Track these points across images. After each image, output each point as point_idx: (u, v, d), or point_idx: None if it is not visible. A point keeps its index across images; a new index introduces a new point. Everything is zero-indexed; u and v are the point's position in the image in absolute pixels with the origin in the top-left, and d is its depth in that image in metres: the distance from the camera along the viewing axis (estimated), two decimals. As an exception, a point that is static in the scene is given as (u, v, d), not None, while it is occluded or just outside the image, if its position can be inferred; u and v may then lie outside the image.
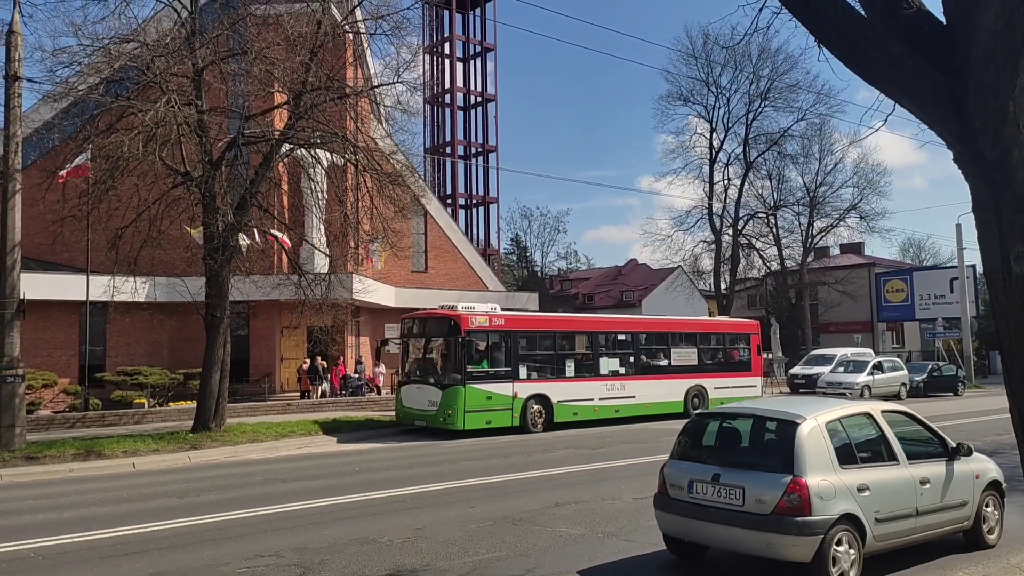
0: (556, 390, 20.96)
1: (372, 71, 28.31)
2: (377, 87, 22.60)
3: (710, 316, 40.49)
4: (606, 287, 72.79)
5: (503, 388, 19.88)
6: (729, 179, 50.56)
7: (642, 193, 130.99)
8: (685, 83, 49.69)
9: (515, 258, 76.88)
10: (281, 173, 25.59)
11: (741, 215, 50.37)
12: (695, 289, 59.36)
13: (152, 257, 20.69)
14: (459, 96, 58.86)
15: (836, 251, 64.08)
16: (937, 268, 57.16)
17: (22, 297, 16.16)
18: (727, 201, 50.30)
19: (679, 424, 21.10)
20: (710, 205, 49.59)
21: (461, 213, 58.72)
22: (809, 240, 53.47)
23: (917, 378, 35.78)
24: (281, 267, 28.90)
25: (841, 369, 34.31)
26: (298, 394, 28.93)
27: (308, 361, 29.07)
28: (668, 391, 23.51)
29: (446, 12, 56.45)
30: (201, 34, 19.70)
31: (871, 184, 52.92)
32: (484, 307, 21.01)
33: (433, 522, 9.69)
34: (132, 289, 21.65)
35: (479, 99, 59.73)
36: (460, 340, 19.12)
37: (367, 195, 22.05)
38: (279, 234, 22.89)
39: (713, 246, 50.68)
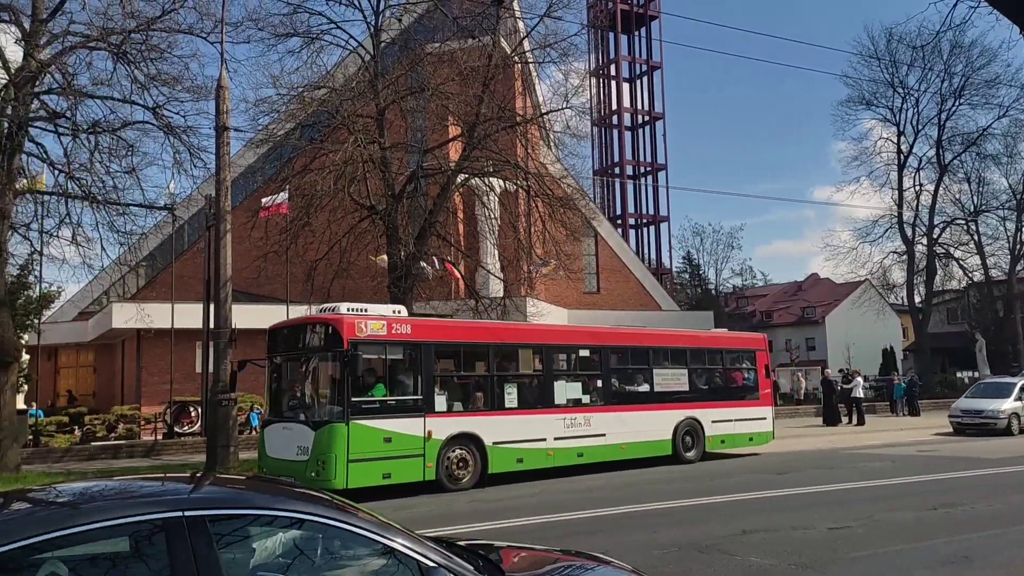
0: (491, 427, 15.09)
1: (541, 98, 28.92)
2: (547, 114, 23.09)
3: (905, 332, 35.88)
4: (785, 303, 69.64)
5: (410, 425, 13.98)
6: (921, 185, 47.06)
7: (818, 205, 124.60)
8: (867, 86, 46.83)
9: (687, 276, 75.33)
10: (456, 202, 26.63)
11: (936, 223, 46.61)
12: (885, 304, 55.50)
13: (343, 287, 22.13)
14: (626, 116, 58.78)
15: (1051, 257, 57.78)
16: None
17: (234, 327, 17.70)
18: (919, 209, 46.79)
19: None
20: (900, 213, 46.31)
21: (631, 233, 58.46)
22: (1018, 247, 48.59)
23: None
24: (458, 293, 29.99)
25: (980, 395, 27.78)
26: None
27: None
28: (651, 426, 17.71)
29: (611, 34, 56.73)
30: (383, 75, 20.98)
31: (1091, 182, 47.41)
32: (382, 310, 15.00)
33: (615, 547, 9.61)
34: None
35: (646, 118, 59.39)
36: (342, 355, 13.30)
37: (539, 220, 22.53)
38: (437, 260, 23.84)
39: (904, 257, 47.22)
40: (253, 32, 20.49)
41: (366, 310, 14.29)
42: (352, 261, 21.71)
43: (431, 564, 3.37)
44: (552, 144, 25.35)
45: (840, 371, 37.83)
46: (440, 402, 14.61)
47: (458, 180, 22.11)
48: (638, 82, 59.95)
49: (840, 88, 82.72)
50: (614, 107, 58.30)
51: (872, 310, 51.35)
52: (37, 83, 17.06)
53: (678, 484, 15.13)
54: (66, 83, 17.11)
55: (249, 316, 26.78)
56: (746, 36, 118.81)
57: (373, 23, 21.37)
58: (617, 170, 58.40)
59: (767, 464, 18.06)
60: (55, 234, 18.45)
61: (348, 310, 14.00)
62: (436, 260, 24.47)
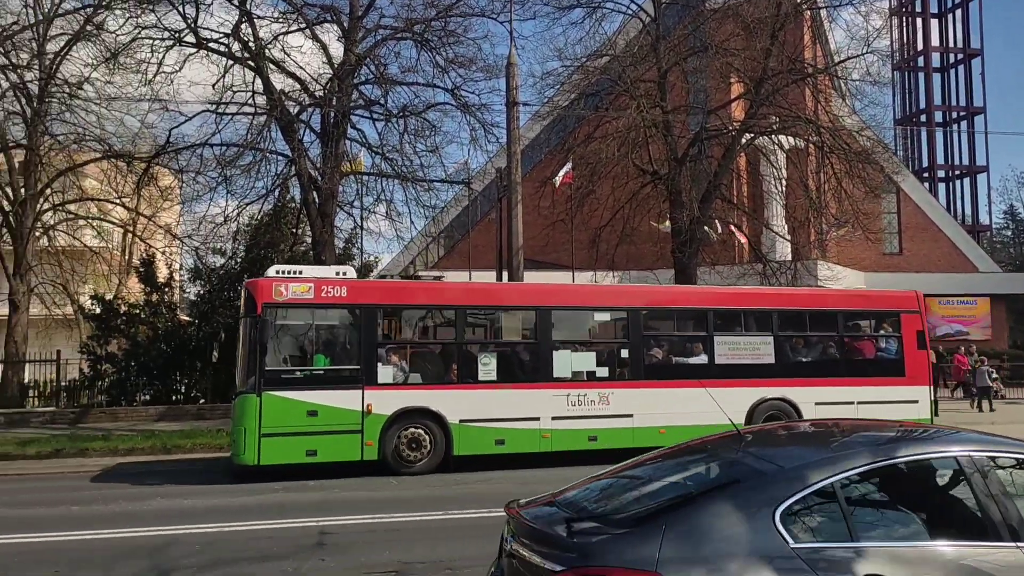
0: (457, 402, 12.96)
1: (833, 45, 26.83)
2: (844, 62, 21.37)
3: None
4: None
5: (342, 398, 12.42)
6: None
7: None
8: None
9: (1010, 233, 66.09)
10: (740, 162, 25.69)
11: None
12: None
13: (626, 253, 22.39)
14: (934, 57, 52.56)
15: None
16: None
17: (525, 292, 18.64)
18: None
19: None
20: None
21: (940, 187, 52.45)
22: None
23: None
24: (743, 256, 29.00)
25: None
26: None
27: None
28: (709, 406, 12.43)
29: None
30: (664, 38, 20.71)
31: None
32: (321, 271, 13.62)
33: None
34: (610, 283, 23.70)
35: (959, 57, 52.61)
36: (256, 321, 12.22)
37: (833, 177, 21.05)
38: (720, 223, 23.08)
39: None
40: (539, 7, 21.26)
41: (301, 272, 13.04)
42: (635, 227, 21.86)
43: None
44: (846, 95, 23.44)
45: None
46: (385, 373, 12.72)
47: (743, 140, 21.29)
48: (950, 16, 53.14)
49: None
50: (920, 47, 52.33)
51: None
52: (355, 75, 19.11)
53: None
54: (379, 73, 19.00)
55: (538, 281, 28.18)
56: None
57: (655, -16, 21.13)
58: (923, 118, 52.52)
59: None
60: (372, 210, 20.69)
61: (276, 272, 12.91)
62: (719, 223, 23.85)
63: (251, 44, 18.43)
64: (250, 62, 18.40)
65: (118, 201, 22.97)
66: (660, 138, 20.47)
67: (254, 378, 12.09)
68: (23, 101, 21.36)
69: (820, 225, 23.33)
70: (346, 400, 12.39)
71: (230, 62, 18.53)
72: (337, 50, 19.99)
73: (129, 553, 7.61)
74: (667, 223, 21.68)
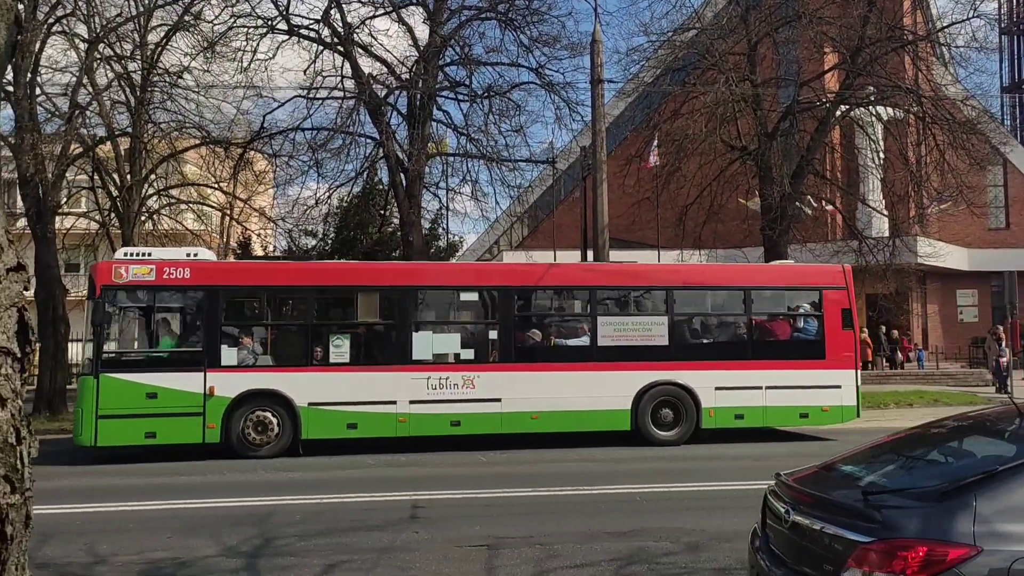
0: (306, 385, 12.62)
1: (935, 11, 25.50)
2: (947, 27, 20.26)
3: None
4: None
5: (182, 380, 12.23)
6: None
7: None
8: None
9: None
10: (834, 135, 24.79)
11: None
12: None
13: (713, 231, 21.94)
14: (1047, 18, 49.19)
15: None
16: None
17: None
18: None
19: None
20: None
21: (1053, 157, 49.29)
22: None
23: None
24: (836, 233, 28.03)
25: None
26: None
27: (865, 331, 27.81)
28: (589, 391, 13.32)
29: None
30: (754, 8, 20.10)
31: None
32: (171, 253, 13.50)
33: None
34: (697, 262, 23.29)
35: (1076, 16, 49.14)
36: (94, 303, 12.20)
37: (935, 149, 20.09)
38: (812, 199, 22.37)
39: None
40: (623, -18, 20.87)
41: (150, 254, 12.93)
42: (723, 204, 21.39)
43: None
44: (949, 62, 22.28)
45: None
46: (228, 355, 12.53)
47: (838, 112, 20.53)
48: (1065, -26, 49.67)
49: None
50: (1031, 8, 49.11)
51: None
52: (440, 57, 19.26)
53: None
54: (463, 54, 19.10)
55: (623, 260, 27.94)
56: None
57: (744, -47, 20.50)
58: (1034, 84, 49.39)
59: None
60: (458, 190, 20.91)
61: (124, 254, 12.87)
62: (812, 199, 23.10)
63: (340, 29, 18.78)
64: (339, 47, 18.76)
65: (216, 186, 23.83)
66: (749, 112, 19.93)
67: (92, 360, 12.15)
68: (127, 91, 22.34)
69: (921, 200, 22.31)
70: (187, 382, 12.27)
71: (320, 48, 18.95)
72: (422, 32, 20.21)
73: (235, 521, 7.99)
74: (756, 200, 21.14)
